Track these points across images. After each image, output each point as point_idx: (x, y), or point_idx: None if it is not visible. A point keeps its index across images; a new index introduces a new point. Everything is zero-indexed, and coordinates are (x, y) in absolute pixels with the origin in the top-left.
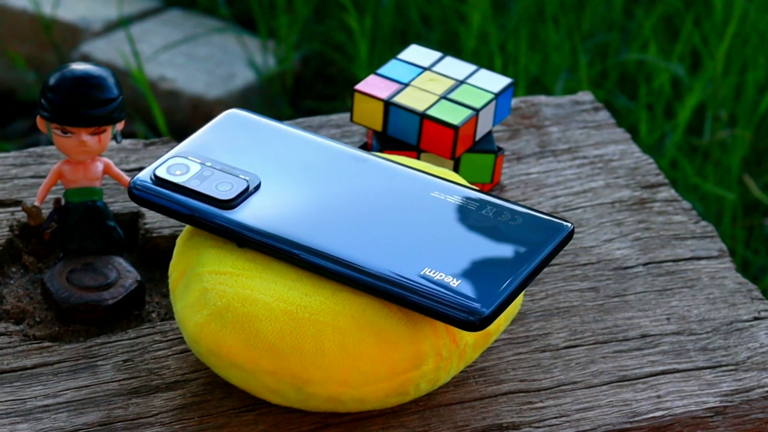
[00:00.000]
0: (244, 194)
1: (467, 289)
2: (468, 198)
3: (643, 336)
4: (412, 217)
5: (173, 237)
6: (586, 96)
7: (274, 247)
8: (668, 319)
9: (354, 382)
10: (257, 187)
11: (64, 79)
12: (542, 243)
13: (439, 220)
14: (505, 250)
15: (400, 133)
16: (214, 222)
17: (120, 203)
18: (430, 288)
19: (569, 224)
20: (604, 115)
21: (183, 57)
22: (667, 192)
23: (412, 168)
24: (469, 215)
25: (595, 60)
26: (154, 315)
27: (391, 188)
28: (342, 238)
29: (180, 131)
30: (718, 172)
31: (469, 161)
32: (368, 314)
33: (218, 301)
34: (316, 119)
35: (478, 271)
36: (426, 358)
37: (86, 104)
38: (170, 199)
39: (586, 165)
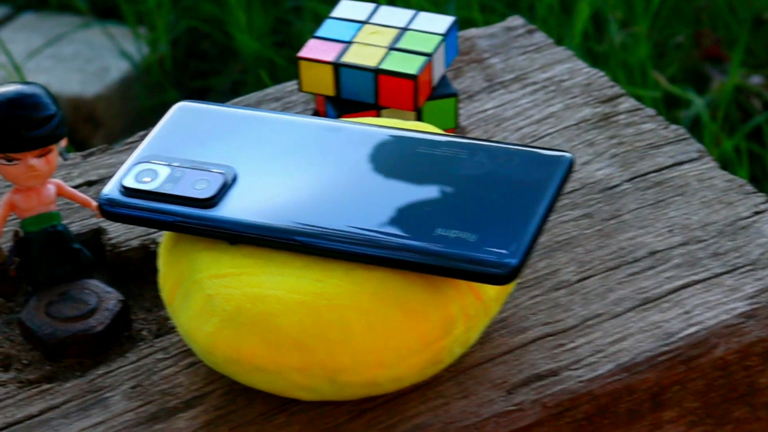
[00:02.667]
0: (224, 188)
1: (488, 241)
2: (457, 147)
3: (652, 253)
4: (407, 178)
5: (143, 248)
6: (516, 20)
7: (271, 237)
8: (670, 231)
9: (388, 361)
10: (234, 179)
11: None
12: (548, 179)
13: (435, 177)
14: (512, 194)
15: (355, 94)
16: (200, 223)
17: (77, 222)
18: (449, 248)
19: (568, 154)
20: (540, 37)
21: (49, 60)
22: (628, 102)
23: (388, 128)
24: (464, 165)
25: None
26: (145, 333)
27: (375, 153)
28: (341, 213)
29: (69, 136)
30: (626, 74)
31: (432, 109)
32: (389, 287)
33: (226, 305)
34: (253, 96)
35: (493, 221)
36: (456, 322)
37: (27, 126)
38: (147, 208)
39: (539, 90)
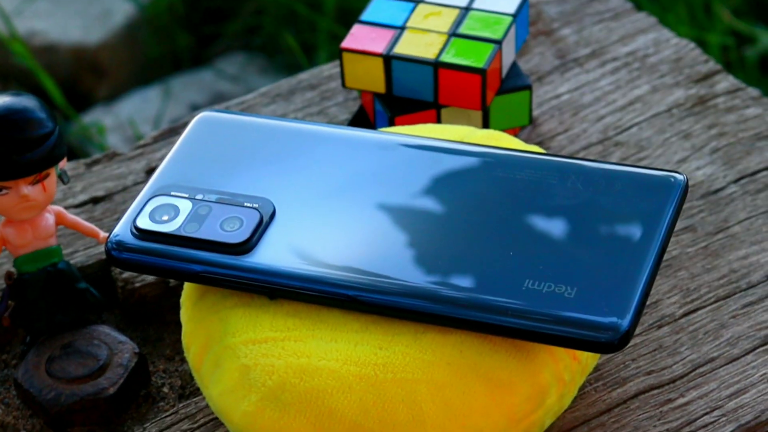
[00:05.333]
0: (260, 228)
1: (589, 297)
2: (544, 169)
3: None
4: (485, 213)
5: (161, 284)
6: None
7: (320, 291)
8: None
9: None
10: (272, 215)
11: None
12: (658, 210)
13: (519, 210)
14: (616, 231)
15: (410, 91)
16: (232, 274)
17: (81, 252)
18: (541, 307)
19: (681, 176)
20: (617, 1)
21: (47, 3)
22: (726, 81)
23: (456, 143)
24: (555, 193)
25: None
26: (165, 389)
27: (443, 178)
28: (405, 261)
29: (70, 91)
30: (688, 14)
31: (502, 104)
32: (467, 356)
33: (267, 379)
34: (284, 84)
35: (595, 269)
36: (548, 391)
37: (18, 149)
38: (165, 255)
39: (621, 69)
